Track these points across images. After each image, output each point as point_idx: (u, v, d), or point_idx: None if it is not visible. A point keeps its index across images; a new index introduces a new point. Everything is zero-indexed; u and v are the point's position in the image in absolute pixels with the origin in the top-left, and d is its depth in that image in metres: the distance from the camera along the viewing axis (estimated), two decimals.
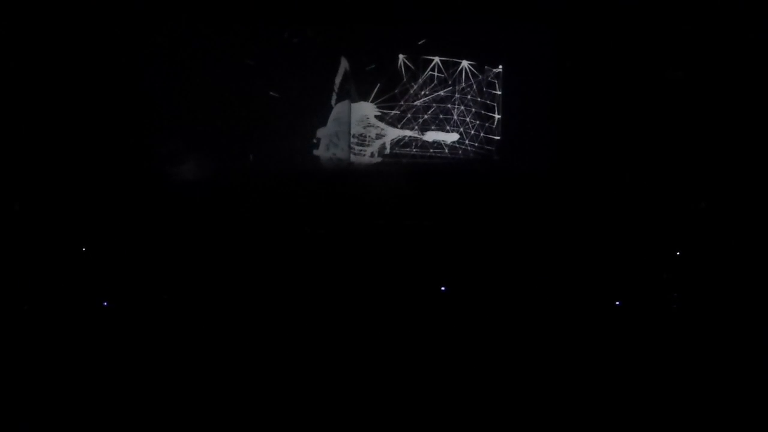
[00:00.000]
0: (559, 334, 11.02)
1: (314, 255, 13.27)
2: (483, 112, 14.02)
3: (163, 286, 12.69)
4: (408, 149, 14.20)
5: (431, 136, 14.14)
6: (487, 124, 14.03)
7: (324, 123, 14.22)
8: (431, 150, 14.13)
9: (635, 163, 13.34)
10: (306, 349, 10.22)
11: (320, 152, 14.27)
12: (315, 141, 14.21)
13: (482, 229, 12.70)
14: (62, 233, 13.03)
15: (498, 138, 14.00)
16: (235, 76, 13.94)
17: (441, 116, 14.11)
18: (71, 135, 13.39)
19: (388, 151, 14.23)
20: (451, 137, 14.10)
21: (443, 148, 14.10)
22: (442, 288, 10.87)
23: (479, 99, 14.03)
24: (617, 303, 12.06)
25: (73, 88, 13.39)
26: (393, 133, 14.20)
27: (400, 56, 13.98)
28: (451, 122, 14.08)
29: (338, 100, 14.23)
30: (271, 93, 14.02)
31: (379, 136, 14.25)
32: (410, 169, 14.05)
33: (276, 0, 13.62)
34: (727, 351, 9.82)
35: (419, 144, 14.17)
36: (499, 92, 13.97)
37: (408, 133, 14.14)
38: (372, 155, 14.25)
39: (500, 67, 13.97)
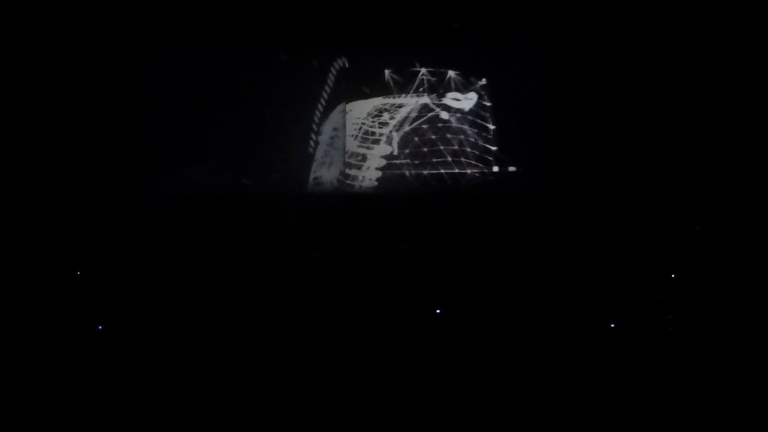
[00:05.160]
0: (554, 356, 10.90)
1: (309, 278, 13.26)
2: (478, 120, 13.94)
3: (158, 309, 12.71)
4: (420, 137, 14.06)
5: (450, 99, 14.02)
6: (483, 134, 13.93)
7: (319, 134, 14.23)
8: (433, 159, 13.99)
9: (631, 181, 13.20)
10: (300, 374, 10.14)
11: (315, 168, 14.24)
12: (312, 148, 14.21)
13: (478, 248, 12.60)
14: (56, 256, 13.01)
15: (495, 148, 13.90)
16: (228, 96, 13.99)
17: (439, 124, 14.04)
18: (62, 156, 13.37)
19: (396, 151, 14.12)
20: (469, 103, 13.98)
21: (446, 156, 13.96)
22: (437, 311, 10.75)
23: (472, 107, 13.99)
24: (612, 325, 11.95)
25: (66, 106, 13.34)
26: (410, 102, 14.10)
27: (386, 71, 13.99)
28: (450, 129, 13.99)
29: (331, 107, 14.22)
30: (265, 115, 14.07)
31: (395, 109, 14.14)
32: (410, 187, 14.06)
33: (269, 20, 13.60)
34: (723, 372, 9.67)
35: (434, 121, 14.04)
36: (489, 103, 13.91)
37: (425, 100, 14.03)
38: (387, 142, 14.17)
39: (484, 79, 13.93)
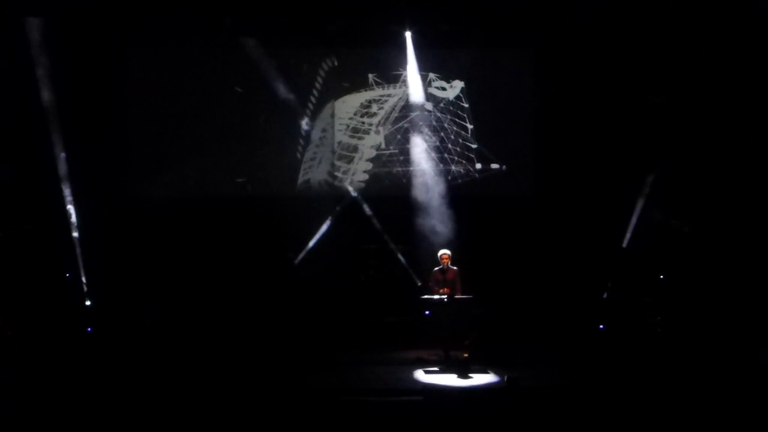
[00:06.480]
0: (543, 358, 11.04)
1: (299, 281, 13.36)
2: (457, 120, 14.28)
3: (148, 311, 12.70)
4: (407, 133, 14.30)
5: (435, 89, 14.29)
6: (463, 133, 14.26)
7: (309, 134, 14.42)
8: (419, 155, 14.24)
9: (619, 183, 13.41)
10: (289, 377, 10.29)
11: (306, 168, 14.42)
12: (300, 150, 14.38)
13: (469, 249, 12.66)
14: (47, 259, 13.00)
15: (475, 146, 14.23)
16: (221, 102, 14.18)
17: (420, 123, 14.29)
18: (50, 157, 13.27)
19: (384, 144, 14.34)
20: (454, 92, 14.26)
21: (431, 152, 14.24)
22: (426, 312, 10.86)
23: (451, 108, 14.32)
24: (600, 327, 12.08)
25: (53, 106, 13.22)
26: (398, 92, 14.34)
27: (370, 75, 14.31)
28: (430, 127, 14.27)
29: (320, 106, 14.42)
30: (255, 117, 14.26)
31: (384, 100, 14.35)
32: (398, 185, 14.26)
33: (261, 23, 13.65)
34: (710, 373, 9.90)
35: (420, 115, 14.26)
36: (467, 104, 14.28)
37: (411, 91, 14.24)
38: (375, 132, 14.43)
39: (462, 82, 14.27)
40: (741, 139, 12.66)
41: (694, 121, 13.06)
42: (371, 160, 14.37)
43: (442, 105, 14.27)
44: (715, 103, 12.84)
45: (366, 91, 14.34)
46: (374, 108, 14.36)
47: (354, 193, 14.25)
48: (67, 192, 13.26)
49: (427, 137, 14.18)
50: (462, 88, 14.23)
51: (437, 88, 14.27)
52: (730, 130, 12.78)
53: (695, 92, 12.97)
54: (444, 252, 11.19)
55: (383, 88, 14.29)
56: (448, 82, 14.25)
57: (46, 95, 13.07)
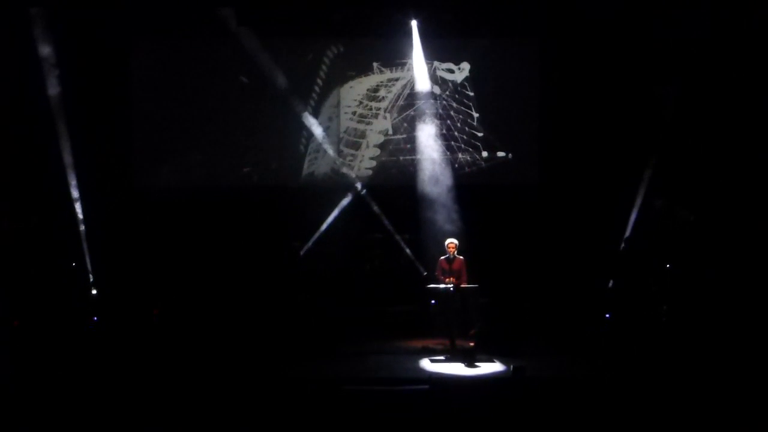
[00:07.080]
0: (549, 347, 11.03)
1: (304, 271, 13.38)
2: (463, 108, 14.27)
3: (155, 300, 12.73)
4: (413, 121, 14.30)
5: (444, 71, 14.29)
6: (469, 121, 14.26)
7: (315, 122, 14.37)
8: (425, 142, 14.23)
9: (625, 176, 13.40)
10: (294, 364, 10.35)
11: (311, 159, 14.47)
12: (304, 139, 14.40)
13: (475, 238, 12.68)
14: (53, 249, 13.06)
15: (481, 134, 14.22)
16: (226, 92, 14.23)
17: (427, 111, 14.27)
18: (56, 149, 13.24)
19: (391, 130, 14.34)
20: (462, 74, 14.25)
21: (438, 140, 14.21)
22: (432, 301, 10.89)
23: (457, 96, 14.31)
24: (606, 315, 12.09)
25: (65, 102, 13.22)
26: (407, 76, 14.33)
27: (374, 64, 14.31)
28: (437, 114, 14.25)
29: (325, 94, 14.45)
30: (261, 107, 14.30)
31: (391, 84, 14.35)
32: (404, 173, 14.34)
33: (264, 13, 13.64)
34: (715, 362, 9.84)
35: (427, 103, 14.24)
36: (473, 93, 14.27)
37: (418, 74, 14.24)
38: (383, 117, 14.45)
39: (470, 65, 14.24)
40: (747, 127, 12.60)
41: (699, 110, 13.00)
42: (379, 146, 14.40)
43: (447, 93, 14.24)
44: (721, 92, 12.76)
45: (374, 74, 14.33)
46: (382, 92, 14.38)
47: (359, 183, 14.23)
48: (72, 183, 13.24)
49: (433, 125, 14.15)
50: (469, 71, 14.18)
51: (445, 70, 14.24)
52: (736, 118, 12.71)
53: (701, 82, 12.88)
54: (450, 241, 11.19)
55: (390, 72, 14.30)
56: (457, 64, 14.23)
57: (51, 86, 13.03)
